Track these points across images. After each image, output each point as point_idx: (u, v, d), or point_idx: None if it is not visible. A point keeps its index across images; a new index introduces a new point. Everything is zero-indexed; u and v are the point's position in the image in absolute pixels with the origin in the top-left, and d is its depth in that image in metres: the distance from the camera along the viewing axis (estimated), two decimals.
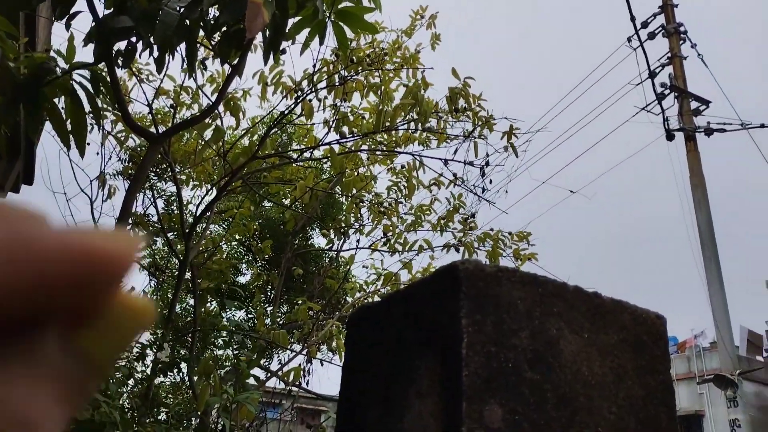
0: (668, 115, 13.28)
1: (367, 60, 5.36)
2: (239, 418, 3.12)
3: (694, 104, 13.24)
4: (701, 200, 11.68)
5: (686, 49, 13.85)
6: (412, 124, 5.13)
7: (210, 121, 4.86)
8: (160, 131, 4.85)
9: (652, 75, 13.08)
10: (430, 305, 0.97)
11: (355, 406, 1.09)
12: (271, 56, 3.79)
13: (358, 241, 5.71)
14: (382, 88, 5.31)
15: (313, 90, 5.05)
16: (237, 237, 6.57)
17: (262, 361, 4.55)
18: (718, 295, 10.05)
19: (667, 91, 13.23)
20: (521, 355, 0.91)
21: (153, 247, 6.23)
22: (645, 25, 13.93)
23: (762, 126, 12.13)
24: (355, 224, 6.12)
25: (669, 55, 13.79)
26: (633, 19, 9.22)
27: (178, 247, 5.14)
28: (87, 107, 3.52)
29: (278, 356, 5.87)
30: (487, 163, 4.87)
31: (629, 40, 13.08)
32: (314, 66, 5.04)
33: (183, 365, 3.49)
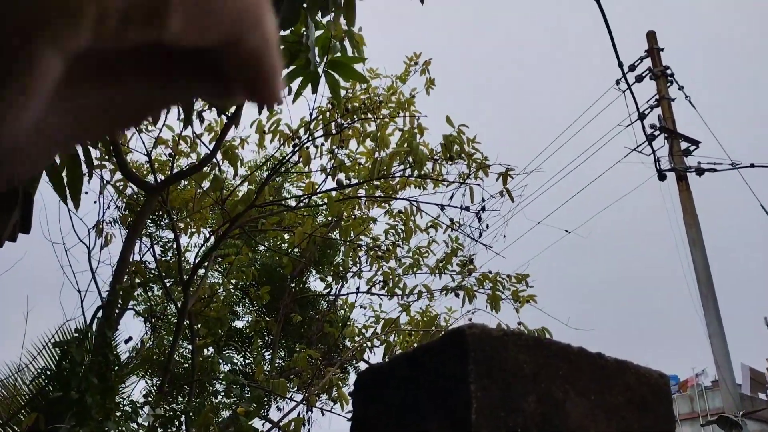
0: (659, 156, 13.48)
1: (363, 108, 5.47)
2: None
3: (684, 144, 13.46)
4: (696, 239, 11.75)
5: (674, 92, 14.17)
6: (408, 171, 5.20)
7: (208, 170, 4.92)
8: (159, 179, 4.90)
9: (642, 117, 13.33)
10: (437, 370, 0.99)
11: None
12: (266, 106, 3.86)
13: (358, 288, 5.71)
14: (378, 134, 5.40)
15: (310, 138, 5.13)
16: (234, 282, 6.55)
17: (261, 411, 4.48)
18: (717, 335, 10.01)
19: (656, 132, 13.46)
20: (530, 419, 0.93)
21: (150, 294, 6.20)
22: (632, 68, 14.27)
23: (752, 165, 12.31)
24: (353, 268, 6.12)
25: (657, 97, 14.08)
26: (620, 64, 9.47)
27: (175, 294, 5.13)
28: (82, 159, 3.57)
29: (277, 404, 5.78)
30: (483, 208, 4.92)
31: (617, 83, 13.38)
32: (311, 114, 5.13)
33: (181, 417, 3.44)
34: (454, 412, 0.91)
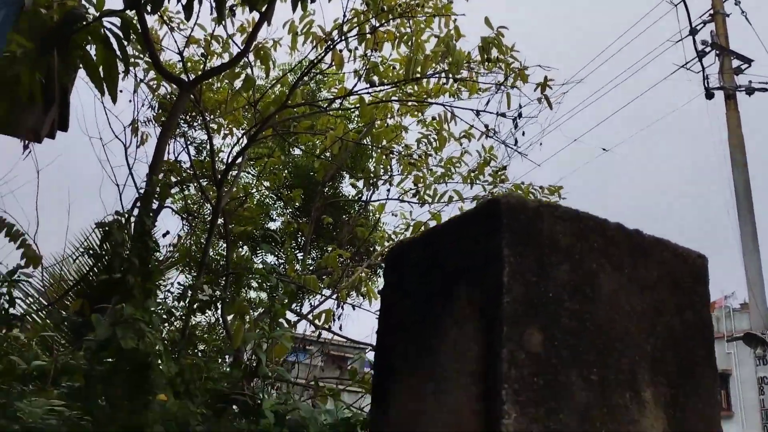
0: (708, 74, 12.82)
1: (398, 9, 5.25)
2: (273, 356, 3.23)
3: (735, 63, 12.74)
4: (739, 160, 11.37)
5: (729, 6, 13.25)
6: (443, 75, 5.04)
7: (240, 70, 4.85)
8: (191, 79, 4.87)
9: (693, 32, 12.56)
10: (471, 238, 0.99)
11: (394, 334, 1.12)
12: (300, 3, 3.74)
13: (388, 190, 5.72)
14: (414, 38, 5.21)
15: (344, 39, 4.99)
16: (267, 185, 6.63)
17: (293, 306, 4.66)
18: (752, 255, 9.90)
19: (708, 49, 12.73)
20: (561, 287, 0.93)
21: (185, 193, 6.35)
22: None
23: None
24: (385, 175, 6.12)
25: (711, 11, 13.21)
26: None
27: (210, 193, 5.23)
28: (118, 54, 3.55)
29: (309, 301, 6.01)
30: (520, 115, 4.79)
31: None
32: (344, 15, 4.96)
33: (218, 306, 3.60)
34: (486, 277, 0.92)
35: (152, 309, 2.25)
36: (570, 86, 5.52)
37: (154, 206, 4.36)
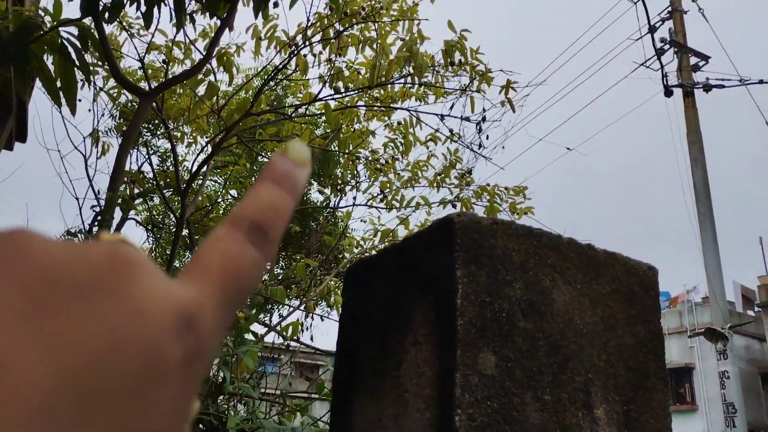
0: (667, 71, 13.15)
1: (362, 12, 5.25)
2: (239, 371, 3.19)
3: (693, 60, 13.10)
4: (698, 157, 11.69)
5: (687, 3, 13.63)
6: (408, 79, 5.06)
7: (203, 77, 4.79)
8: (152, 86, 4.79)
9: (652, 30, 12.88)
10: (425, 257, 0.98)
11: (353, 356, 1.11)
12: (261, 11, 3.71)
13: (354, 198, 5.71)
14: (378, 41, 5.21)
15: (308, 44, 4.97)
16: (234, 194, 6.56)
17: (260, 317, 4.61)
18: (711, 251, 10.18)
19: (666, 47, 13.06)
20: (515, 304, 0.93)
21: (149, 203, 6.23)
22: None
23: (761, 82, 12.02)
24: (352, 181, 6.11)
25: (669, 9, 13.55)
26: None
27: (175, 204, 5.15)
28: (76, 63, 3.47)
29: (278, 311, 5.96)
30: (484, 119, 4.82)
31: None
32: (308, 19, 4.94)
33: None
34: (440, 298, 0.92)
35: None
36: (532, 88, 5.57)
37: (117, 219, 4.27)
